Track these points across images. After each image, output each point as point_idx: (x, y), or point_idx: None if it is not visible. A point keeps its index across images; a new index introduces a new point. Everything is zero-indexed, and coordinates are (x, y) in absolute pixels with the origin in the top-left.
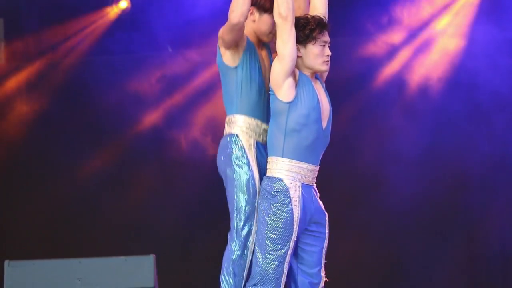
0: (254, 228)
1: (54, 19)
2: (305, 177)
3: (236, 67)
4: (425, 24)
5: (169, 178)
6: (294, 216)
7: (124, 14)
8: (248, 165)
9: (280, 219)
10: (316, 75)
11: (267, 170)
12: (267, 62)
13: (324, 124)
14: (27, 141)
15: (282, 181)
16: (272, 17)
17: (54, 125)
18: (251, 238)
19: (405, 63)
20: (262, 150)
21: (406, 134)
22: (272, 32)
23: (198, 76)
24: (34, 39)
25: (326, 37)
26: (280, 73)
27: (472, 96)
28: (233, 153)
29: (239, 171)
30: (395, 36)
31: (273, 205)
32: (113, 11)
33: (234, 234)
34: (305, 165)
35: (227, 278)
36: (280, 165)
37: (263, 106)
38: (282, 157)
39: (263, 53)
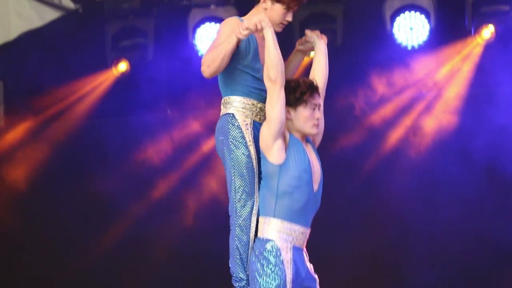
0: (255, 207)
1: (54, 82)
2: (296, 239)
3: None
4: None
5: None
6: (287, 278)
7: (123, 76)
8: (245, 144)
9: (273, 280)
10: (307, 138)
11: (258, 231)
12: (261, 48)
13: (315, 186)
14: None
15: (273, 242)
16: (284, 9)
17: (52, 192)
18: (253, 218)
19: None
20: (260, 129)
21: None
22: (283, 23)
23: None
24: (34, 102)
25: (316, 100)
26: (268, 136)
27: None
28: (230, 133)
29: (236, 152)
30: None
31: (265, 266)
32: (112, 74)
33: (235, 217)
34: (296, 227)
35: (234, 264)
36: (272, 225)
37: (258, 88)
38: (274, 217)
39: (260, 35)
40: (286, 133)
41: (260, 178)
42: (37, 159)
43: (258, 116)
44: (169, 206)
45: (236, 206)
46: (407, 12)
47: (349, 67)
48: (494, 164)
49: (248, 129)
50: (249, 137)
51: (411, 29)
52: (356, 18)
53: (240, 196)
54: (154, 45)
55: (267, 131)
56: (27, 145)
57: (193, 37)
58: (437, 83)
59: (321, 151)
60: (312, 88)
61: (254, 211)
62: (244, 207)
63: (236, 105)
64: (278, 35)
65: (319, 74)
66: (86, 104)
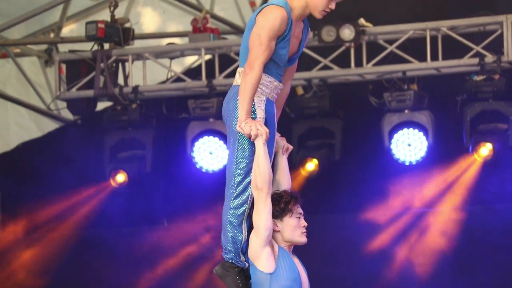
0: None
1: (52, 193)
2: None
3: None
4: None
5: None
6: None
7: (121, 187)
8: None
9: None
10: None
11: None
12: (293, 39)
13: None
14: None
15: None
16: None
17: None
18: (249, 190)
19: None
20: (271, 108)
21: None
22: (326, 10)
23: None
24: (31, 212)
25: (299, 209)
26: (257, 244)
27: None
28: None
29: None
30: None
31: None
32: (110, 185)
33: (232, 189)
34: None
35: (224, 238)
36: None
37: (277, 69)
38: None
39: (297, 31)
40: (275, 244)
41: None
42: (34, 266)
43: (272, 94)
44: None
45: (235, 179)
46: (405, 129)
47: (346, 182)
48: None
49: (261, 106)
50: (260, 115)
51: (409, 145)
52: (355, 133)
53: (240, 171)
54: (152, 157)
55: (256, 239)
56: (23, 253)
57: (192, 150)
58: (435, 200)
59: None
60: (295, 198)
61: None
62: (243, 181)
63: None
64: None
65: (285, 185)
66: (83, 215)
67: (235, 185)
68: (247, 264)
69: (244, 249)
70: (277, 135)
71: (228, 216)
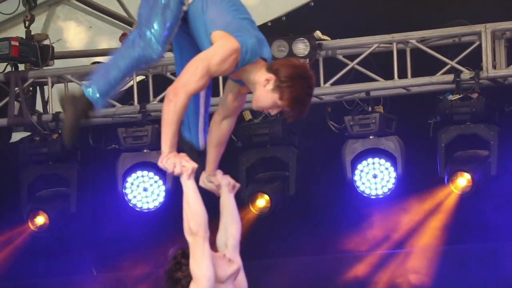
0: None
1: None
2: None
3: None
4: None
5: None
6: None
7: (41, 231)
8: None
9: None
10: None
11: None
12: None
13: None
14: None
15: None
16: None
17: None
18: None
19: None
20: None
21: None
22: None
23: None
24: None
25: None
26: None
27: None
28: None
29: None
30: None
31: None
32: (29, 228)
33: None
34: None
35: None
36: None
37: None
38: None
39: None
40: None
41: None
42: None
43: None
44: None
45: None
46: (370, 158)
47: (302, 221)
48: None
49: None
50: None
51: (374, 177)
52: (312, 164)
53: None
54: (77, 195)
55: None
56: None
57: (123, 186)
58: (405, 239)
59: None
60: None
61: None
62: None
63: None
64: None
65: (231, 233)
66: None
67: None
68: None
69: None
70: (220, 172)
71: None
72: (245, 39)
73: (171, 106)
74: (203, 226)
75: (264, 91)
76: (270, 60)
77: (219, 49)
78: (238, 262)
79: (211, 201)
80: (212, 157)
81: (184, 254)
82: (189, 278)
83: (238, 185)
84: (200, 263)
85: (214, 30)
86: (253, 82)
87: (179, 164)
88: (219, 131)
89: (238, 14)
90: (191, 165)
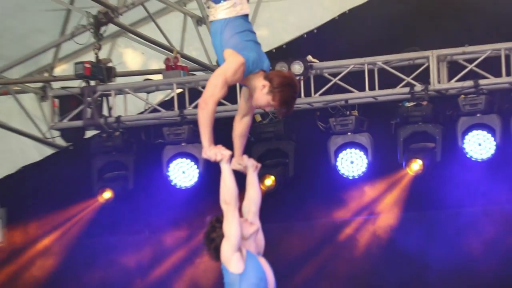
0: None
1: (48, 209)
2: None
3: None
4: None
5: None
6: None
7: (107, 203)
8: None
9: None
10: (258, 252)
11: None
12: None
13: None
14: None
15: None
16: (272, 104)
17: None
18: None
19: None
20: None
21: None
22: (262, 107)
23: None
24: (31, 225)
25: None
26: (228, 250)
27: None
28: None
29: None
30: None
31: None
32: (98, 201)
33: None
34: None
35: None
36: None
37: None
38: None
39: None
40: (243, 249)
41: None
42: (32, 277)
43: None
44: None
45: None
46: (348, 149)
47: (299, 195)
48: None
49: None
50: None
51: (351, 162)
52: (305, 153)
53: None
54: (134, 176)
55: (227, 246)
56: (24, 263)
57: (167, 170)
58: (374, 208)
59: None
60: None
61: None
62: None
63: None
64: None
65: (253, 202)
66: (75, 228)
67: None
68: None
69: None
70: (246, 156)
71: None
72: (248, 54)
73: (205, 113)
74: (234, 198)
75: (261, 94)
76: (268, 71)
77: (230, 64)
78: (257, 224)
79: (240, 178)
80: (238, 146)
81: (217, 219)
82: (221, 237)
83: (259, 165)
84: (231, 224)
85: (226, 48)
86: (253, 87)
87: (219, 153)
88: (240, 126)
89: (244, 37)
90: (228, 153)
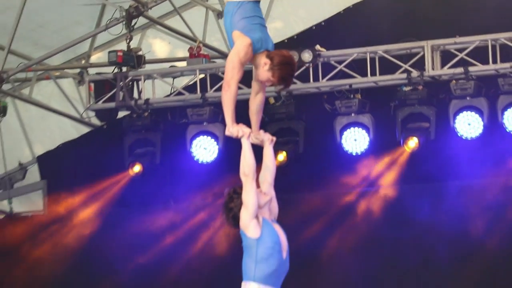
0: None
1: (86, 181)
2: None
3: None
4: None
5: None
6: None
7: (137, 176)
8: None
9: None
10: (272, 220)
11: None
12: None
13: (284, 254)
14: None
15: None
16: (271, 78)
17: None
18: None
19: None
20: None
21: None
22: (263, 81)
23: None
24: (69, 196)
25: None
26: (246, 217)
27: None
28: None
29: None
30: None
31: None
32: (129, 174)
33: None
34: None
35: None
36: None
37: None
38: (253, 281)
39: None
40: (260, 216)
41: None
42: (70, 239)
43: None
44: None
45: None
46: (352, 128)
47: (308, 169)
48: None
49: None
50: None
51: (355, 140)
52: (314, 132)
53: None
54: (161, 152)
55: (245, 213)
56: (63, 230)
57: (190, 147)
58: (375, 180)
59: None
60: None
61: None
62: None
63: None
64: None
65: (269, 171)
66: (109, 197)
67: None
68: None
69: None
70: (262, 131)
71: None
72: (253, 36)
73: (228, 94)
74: (253, 171)
75: (263, 70)
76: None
77: (240, 46)
78: (271, 193)
79: (257, 151)
80: (255, 121)
81: (235, 190)
82: (239, 206)
83: (275, 138)
84: (249, 194)
85: (235, 30)
86: (257, 64)
87: (240, 130)
88: (255, 103)
89: (251, 21)
90: (248, 130)
